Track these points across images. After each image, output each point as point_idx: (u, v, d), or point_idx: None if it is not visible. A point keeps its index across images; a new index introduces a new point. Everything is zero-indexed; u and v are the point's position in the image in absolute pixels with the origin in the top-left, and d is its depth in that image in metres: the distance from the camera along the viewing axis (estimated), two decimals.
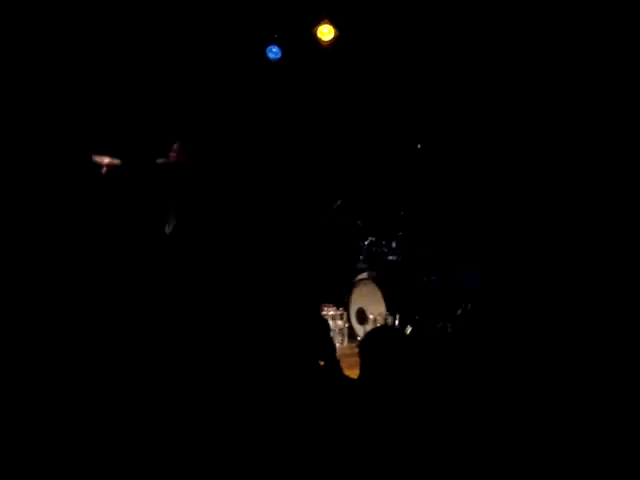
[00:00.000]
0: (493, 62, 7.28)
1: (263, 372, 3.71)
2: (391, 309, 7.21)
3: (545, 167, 7.02)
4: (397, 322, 7.20)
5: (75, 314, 6.54)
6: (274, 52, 8.36)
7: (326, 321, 3.97)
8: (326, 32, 8.16)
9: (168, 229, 7.35)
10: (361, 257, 7.72)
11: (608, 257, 6.49)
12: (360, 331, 7.37)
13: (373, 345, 3.24)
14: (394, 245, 7.47)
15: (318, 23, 8.14)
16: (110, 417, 4.16)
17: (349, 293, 7.66)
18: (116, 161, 7.19)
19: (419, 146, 7.43)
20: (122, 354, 5.42)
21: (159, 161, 7.30)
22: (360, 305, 7.50)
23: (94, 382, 4.86)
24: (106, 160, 7.13)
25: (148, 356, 5.23)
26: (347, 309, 7.59)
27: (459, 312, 7.18)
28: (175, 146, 7.34)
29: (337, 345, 7.20)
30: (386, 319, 7.12)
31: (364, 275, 7.61)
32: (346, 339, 7.40)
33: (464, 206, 7.47)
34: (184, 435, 3.73)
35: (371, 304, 7.37)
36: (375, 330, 3.68)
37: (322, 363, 3.66)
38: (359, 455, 3.01)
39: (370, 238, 7.71)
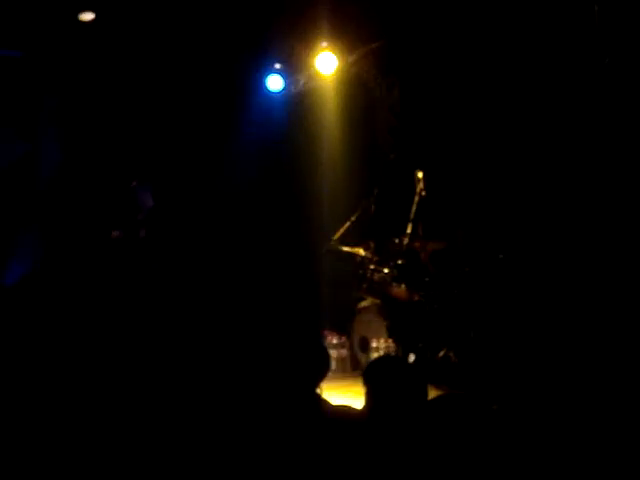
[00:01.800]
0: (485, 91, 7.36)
1: (256, 398, 3.74)
2: (394, 337, 7.20)
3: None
4: (400, 350, 7.19)
5: (75, 316, 6.56)
6: (275, 83, 8.42)
7: (326, 350, 4.00)
8: (327, 62, 8.22)
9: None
10: (363, 285, 7.73)
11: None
12: (363, 359, 7.35)
13: (378, 374, 3.25)
14: (395, 272, 7.48)
15: (319, 53, 8.21)
16: (102, 419, 4.18)
17: (351, 321, 7.65)
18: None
19: (419, 173, 7.46)
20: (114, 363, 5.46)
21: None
22: (363, 333, 7.49)
23: (91, 383, 4.88)
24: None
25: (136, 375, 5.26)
26: (350, 337, 7.58)
27: (462, 339, 7.18)
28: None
29: (340, 374, 7.21)
30: (389, 347, 7.11)
31: (366, 303, 7.61)
32: (349, 368, 7.39)
33: (465, 230, 7.49)
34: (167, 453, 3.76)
35: (374, 332, 7.35)
36: (379, 359, 3.69)
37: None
38: None
39: (371, 265, 7.71)
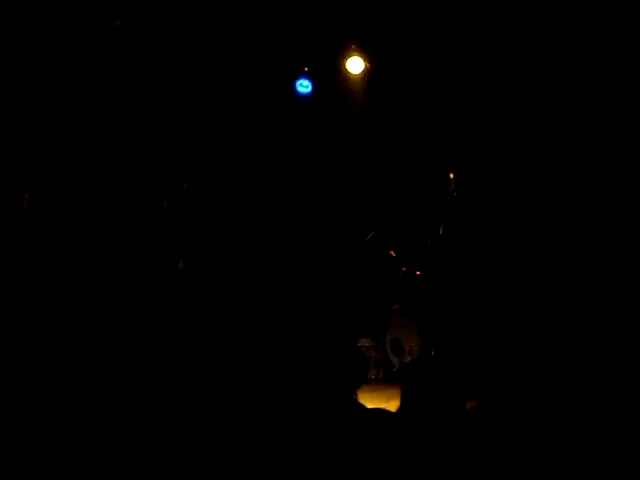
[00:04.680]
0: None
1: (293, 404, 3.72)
2: (427, 340, 7.15)
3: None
4: (433, 352, 7.14)
5: (77, 316, 6.56)
6: (305, 86, 8.42)
7: (364, 355, 3.99)
8: (356, 65, 8.20)
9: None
10: (392, 287, 7.69)
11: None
12: (396, 362, 7.31)
13: (413, 377, 3.23)
14: (428, 275, 7.44)
15: (348, 56, 8.20)
16: (110, 417, 4.18)
17: (384, 324, 7.60)
18: None
19: (451, 175, 7.41)
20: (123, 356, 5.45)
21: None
22: (395, 336, 7.45)
23: (94, 383, 4.87)
24: None
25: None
26: (382, 340, 7.54)
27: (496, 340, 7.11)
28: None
29: (372, 377, 7.18)
30: (422, 350, 7.06)
31: (399, 305, 7.57)
32: (381, 371, 7.35)
33: (497, 235, 7.43)
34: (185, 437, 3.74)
35: (407, 335, 7.31)
36: (415, 361, 3.67)
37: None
38: None
39: (403, 268, 7.68)
